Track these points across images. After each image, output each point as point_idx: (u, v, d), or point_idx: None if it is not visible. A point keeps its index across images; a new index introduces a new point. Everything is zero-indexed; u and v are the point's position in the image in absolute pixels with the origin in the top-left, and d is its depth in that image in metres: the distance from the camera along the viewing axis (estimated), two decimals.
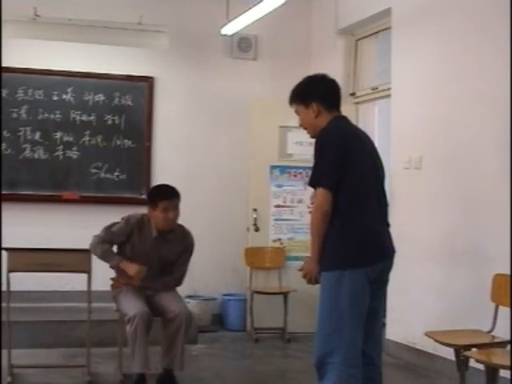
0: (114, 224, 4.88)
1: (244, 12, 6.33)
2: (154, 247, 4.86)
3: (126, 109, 7.24)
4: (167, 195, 4.82)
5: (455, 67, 5.42)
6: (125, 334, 4.64)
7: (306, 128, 3.72)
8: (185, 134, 7.46)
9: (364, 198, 3.48)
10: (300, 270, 3.60)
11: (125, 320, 4.63)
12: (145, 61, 7.27)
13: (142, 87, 7.28)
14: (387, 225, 3.65)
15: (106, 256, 4.81)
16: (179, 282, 5.07)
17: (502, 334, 4.45)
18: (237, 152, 7.42)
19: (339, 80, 7.07)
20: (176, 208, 4.85)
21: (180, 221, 7.35)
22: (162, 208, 4.76)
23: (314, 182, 3.49)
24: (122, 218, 4.93)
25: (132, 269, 4.76)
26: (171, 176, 7.28)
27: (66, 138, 7.08)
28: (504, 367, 3.96)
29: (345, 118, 3.70)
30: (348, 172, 3.41)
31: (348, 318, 3.39)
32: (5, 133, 6.89)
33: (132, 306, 4.63)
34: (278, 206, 7.07)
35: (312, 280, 3.54)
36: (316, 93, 3.65)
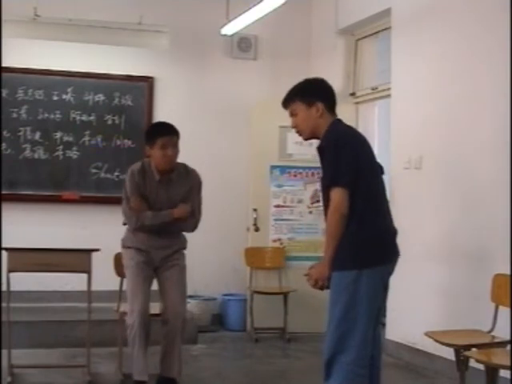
0: (125, 190, 4.73)
1: (244, 12, 6.33)
2: (160, 191, 4.70)
3: (126, 109, 7.24)
4: (165, 131, 4.67)
5: (455, 67, 5.42)
6: (125, 334, 4.64)
7: (300, 129, 3.68)
8: (185, 134, 7.33)
9: (378, 200, 3.51)
10: (306, 274, 3.53)
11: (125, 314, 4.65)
12: (145, 61, 7.27)
13: (142, 87, 7.28)
14: (394, 227, 3.65)
15: (156, 219, 4.64)
16: (194, 226, 4.84)
17: (502, 334, 4.44)
18: (237, 152, 7.42)
19: (339, 80, 7.19)
20: (175, 146, 4.69)
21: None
22: (160, 145, 4.59)
23: (330, 183, 3.43)
24: (126, 175, 4.82)
25: (178, 211, 4.68)
26: None
27: (66, 138, 7.08)
28: (504, 367, 3.96)
29: (342, 121, 3.69)
30: (362, 174, 3.41)
31: (364, 318, 3.38)
32: (5, 133, 6.89)
33: (135, 298, 4.54)
34: (277, 206, 7.07)
35: (323, 285, 3.47)
36: (321, 93, 3.65)
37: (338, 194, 3.36)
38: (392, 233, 3.57)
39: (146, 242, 4.70)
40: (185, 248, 4.93)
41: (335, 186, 3.38)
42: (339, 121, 3.66)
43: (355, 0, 6.89)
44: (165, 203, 4.69)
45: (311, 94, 3.63)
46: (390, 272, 3.55)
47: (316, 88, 3.68)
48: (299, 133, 3.72)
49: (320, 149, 3.60)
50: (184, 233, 4.90)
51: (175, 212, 4.65)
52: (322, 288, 3.48)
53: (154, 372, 5.14)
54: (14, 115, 6.94)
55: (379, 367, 3.64)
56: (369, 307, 3.39)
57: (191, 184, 4.80)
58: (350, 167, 3.38)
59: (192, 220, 4.78)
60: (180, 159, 7.34)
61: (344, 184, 3.36)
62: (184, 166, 4.85)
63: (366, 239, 3.41)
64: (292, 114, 3.70)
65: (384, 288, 3.53)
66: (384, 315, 3.80)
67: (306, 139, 3.74)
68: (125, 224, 4.77)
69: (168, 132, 4.67)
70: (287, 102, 3.70)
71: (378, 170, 3.62)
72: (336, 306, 3.43)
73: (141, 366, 4.54)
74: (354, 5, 6.88)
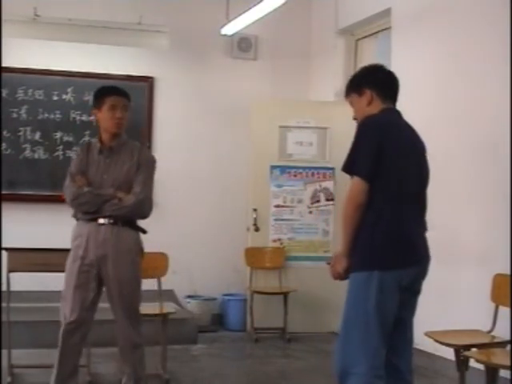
0: (70, 167, 4.32)
1: (244, 12, 6.33)
2: (102, 166, 4.21)
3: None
4: (115, 91, 4.27)
5: (455, 67, 5.42)
6: None
7: (358, 120, 3.44)
8: (185, 134, 7.46)
9: (401, 197, 3.22)
10: (328, 263, 3.35)
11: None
12: (145, 61, 7.27)
13: (142, 87, 7.28)
14: (424, 229, 3.42)
15: (96, 197, 4.14)
16: (134, 209, 4.18)
17: (501, 334, 4.44)
18: (237, 152, 7.42)
19: (339, 80, 7.18)
20: (125, 109, 4.24)
21: (180, 220, 7.40)
22: (109, 105, 4.18)
23: (348, 169, 3.23)
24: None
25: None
26: (171, 176, 7.30)
27: (66, 138, 7.09)
28: (504, 367, 3.96)
29: (396, 112, 3.47)
30: (385, 166, 3.16)
31: (374, 323, 3.14)
32: (5, 133, 6.90)
33: (71, 308, 4.13)
34: (277, 206, 7.06)
35: (338, 275, 3.28)
36: (370, 79, 3.43)
37: (356, 184, 3.17)
38: (413, 235, 3.28)
39: None
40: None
41: (353, 174, 3.19)
42: (390, 110, 3.42)
43: (355, 0, 6.89)
44: (109, 182, 4.18)
45: (361, 81, 3.44)
46: (413, 276, 3.27)
47: (366, 75, 3.48)
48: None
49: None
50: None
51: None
52: (340, 278, 3.29)
53: (154, 372, 5.15)
54: (14, 115, 6.95)
55: (411, 383, 3.37)
56: (379, 312, 3.14)
57: (140, 162, 4.24)
58: (371, 156, 3.15)
59: (128, 209, 4.14)
60: (180, 159, 7.41)
61: (362, 174, 3.15)
62: (134, 143, 4.39)
63: (380, 239, 3.17)
64: (351, 106, 3.52)
65: (406, 292, 3.25)
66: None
67: None
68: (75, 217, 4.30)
69: (118, 92, 4.27)
70: (346, 95, 3.54)
71: (417, 169, 3.37)
72: (347, 309, 3.25)
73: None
74: (354, 5, 6.88)
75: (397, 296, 3.20)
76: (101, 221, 4.16)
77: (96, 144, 4.29)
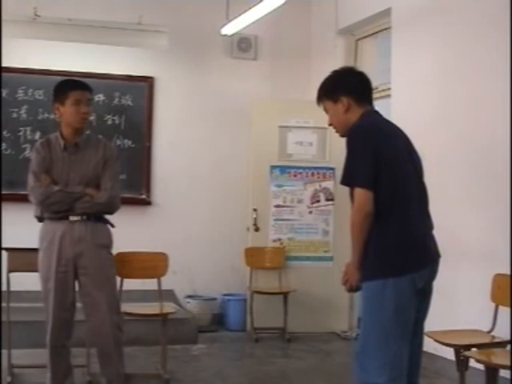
0: (32, 168, 4.16)
1: (244, 12, 6.32)
2: (68, 163, 4.13)
3: (126, 109, 7.25)
4: (79, 86, 4.16)
5: (455, 67, 5.42)
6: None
7: (334, 127, 3.42)
8: (185, 134, 7.46)
9: (405, 197, 3.15)
10: (343, 271, 3.25)
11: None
12: (145, 61, 7.27)
13: (142, 87, 7.29)
14: (430, 226, 3.37)
15: (67, 196, 4.06)
16: (107, 206, 4.17)
17: (502, 334, 4.44)
18: (237, 152, 7.42)
19: None
20: (88, 104, 4.16)
21: (180, 220, 7.40)
22: (73, 100, 4.07)
23: (347, 181, 3.17)
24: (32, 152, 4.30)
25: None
26: (171, 176, 7.31)
27: None
28: (504, 367, 3.97)
29: (376, 113, 3.45)
30: (385, 169, 3.10)
31: (393, 332, 3.05)
32: (5, 133, 6.90)
33: (52, 312, 4.20)
34: (277, 206, 7.06)
35: (352, 287, 3.19)
36: (344, 86, 3.37)
37: (360, 195, 3.07)
38: (423, 235, 3.23)
39: None
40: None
41: (354, 185, 3.12)
42: (370, 112, 3.40)
43: (355, 0, 6.89)
44: (75, 179, 4.12)
45: (334, 90, 3.36)
46: (426, 277, 3.22)
47: (340, 81, 3.40)
48: (335, 130, 3.44)
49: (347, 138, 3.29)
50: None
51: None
52: (351, 290, 3.22)
53: (155, 372, 5.16)
54: (14, 115, 6.95)
55: None
56: (397, 321, 3.05)
57: (105, 157, 4.19)
58: (369, 163, 3.08)
59: (104, 196, 4.13)
60: (180, 159, 7.41)
61: (363, 183, 3.08)
62: (95, 136, 4.37)
63: (391, 244, 3.10)
64: (326, 112, 3.45)
65: (420, 294, 3.19)
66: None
67: (342, 136, 3.38)
68: (39, 217, 4.21)
69: (82, 86, 4.17)
70: (318, 101, 3.48)
71: (412, 165, 3.29)
72: (364, 320, 3.13)
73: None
74: (354, 5, 6.88)
75: (414, 300, 3.13)
76: (73, 218, 4.10)
77: (58, 140, 4.17)
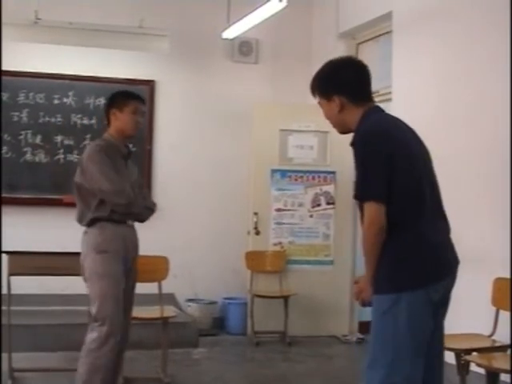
0: (101, 166, 4.19)
1: (245, 16, 6.33)
2: (125, 170, 4.32)
3: None
4: (140, 97, 4.37)
5: (456, 71, 5.43)
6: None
7: (330, 123, 3.15)
8: (186, 138, 7.46)
9: (419, 205, 2.92)
10: (356, 282, 3.11)
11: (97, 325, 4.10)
12: (146, 64, 7.28)
13: (143, 91, 7.26)
14: (447, 230, 3.09)
15: (143, 201, 4.30)
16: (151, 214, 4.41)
17: (502, 338, 4.44)
18: (237, 156, 7.42)
19: None
20: (143, 116, 4.39)
21: (180, 223, 7.40)
22: (132, 108, 4.23)
23: (361, 196, 2.92)
24: (89, 153, 4.34)
25: None
26: (172, 179, 7.32)
27: (66, 142, 7.09)
28: (504, 371, 3.96)
29: (380, 110, 3.14)
30: (396, 179, 2.85)
31: (407, 350, 2.83)
32: (6, 136, 6.90)
33: (114, 311, 4.05)
34: (278, 210, 7.06)
35: (364, 302, 3.00)
36: (337, 84, 3.05)
37: (372, 210, 2.84)
38: (438, 244, 2.97)
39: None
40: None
41: (367, 199, 2.87)
42: (373, 111, 3.07)
43: (356, 4, 6.90)
44: (135, 182, 4.34)
45: (326, 88, 3.07)
46: (443, 289, 2.95)
47: (333, 78, 3.08)
48: (332, 125, 3.17)
49: (352, 145, 3.00)
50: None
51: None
52: (363, 305, 3.03)
53: (155, 376, 5.15)
54: (15, 119, 6.95)
55: None
56: (412, 338, 2.83)
57: (136, 164, 4.52)
58: (381, 175, 2.84)
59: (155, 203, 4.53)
60: (181, 163, 7.42)
61: (376, 197, 2.84)
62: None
63: (404, 256, 2.88)
64: (320, 106, 3.17)
65: (437, 305, 2.93)
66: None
67: (341, 133, 3.16)
68: (82, 221, 4.31)
69: (141, 99, 4.37)
70: (312, 94, 3.18)
71: (425, 165, 3.09)
72: (374, 337, 2.93)
73: None
74: (355, 8, 6.88)
75: (431, 312, 2.90)
76: (130, 222, 4.27)
77: (116, 147, 4.28)
